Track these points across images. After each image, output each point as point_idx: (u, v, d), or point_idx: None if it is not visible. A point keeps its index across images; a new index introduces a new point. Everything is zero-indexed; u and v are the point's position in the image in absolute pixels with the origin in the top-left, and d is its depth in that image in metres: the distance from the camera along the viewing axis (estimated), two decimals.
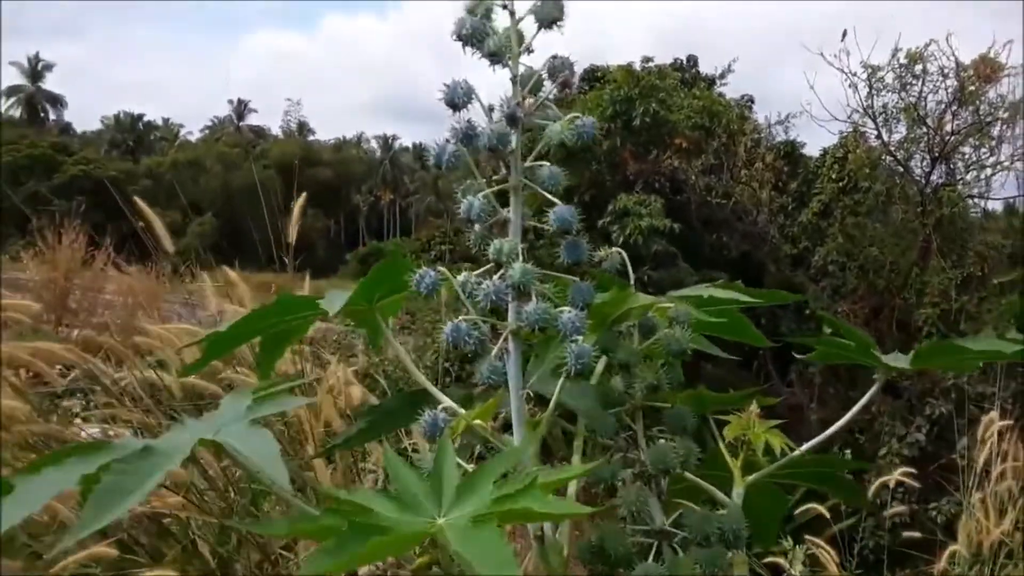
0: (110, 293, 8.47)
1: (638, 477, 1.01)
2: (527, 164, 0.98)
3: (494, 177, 0.98)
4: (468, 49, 0.97)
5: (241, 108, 68.97)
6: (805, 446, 1.39)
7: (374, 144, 66.69)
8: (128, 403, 3.05)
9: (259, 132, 66.28)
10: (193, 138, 64.99)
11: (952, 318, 10.81)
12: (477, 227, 1.00)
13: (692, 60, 14.60)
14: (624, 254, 1.04)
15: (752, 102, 13.96)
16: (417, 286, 0.98)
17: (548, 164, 0.96)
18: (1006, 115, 10.31)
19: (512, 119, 0.94)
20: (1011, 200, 12.90)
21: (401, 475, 0.93)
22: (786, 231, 12.71)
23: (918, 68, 10.78)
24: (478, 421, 1.05)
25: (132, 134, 65.82)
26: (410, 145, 68.85)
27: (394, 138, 67.02)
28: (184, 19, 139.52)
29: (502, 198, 1.02)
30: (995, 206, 12.93)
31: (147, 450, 0.92)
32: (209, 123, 68.79)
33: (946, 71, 10.59)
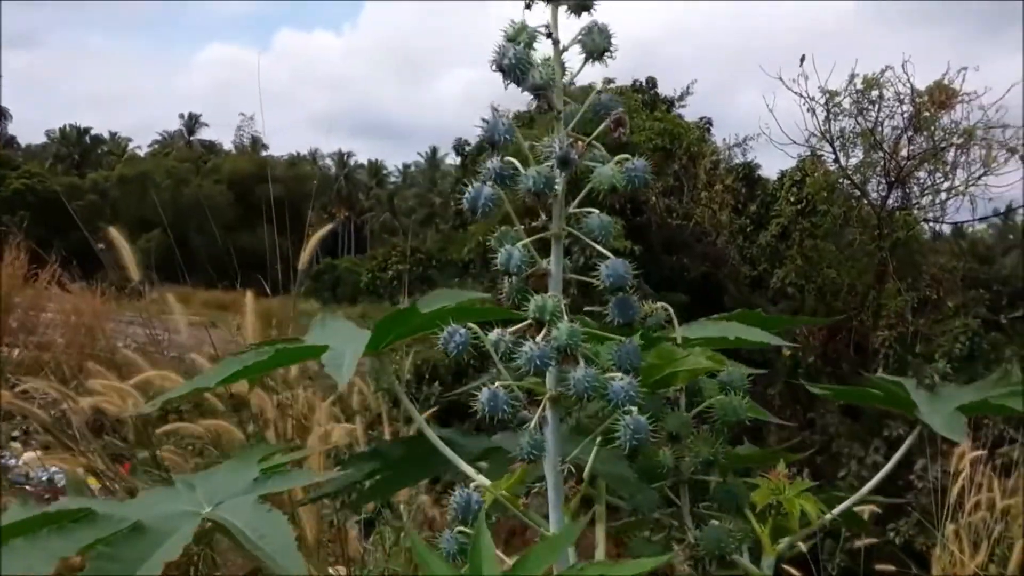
0: (53, 312, 8.16)
1: (688, 562, 0.90)
2: (571, 210, 0.87)
3: (532, 224, 0.86)
4: (508, 80, 0.86)
5: (192, 122, 67.79)
6: (839, 508, 1.30)
7: (329, 161, 66.06)
8: (69, 442, 2.88)
9: (210, 147, 65.15)
10: (142, 152, 63.69)
11: (908, 340, 10.96)
12: (512, 279, 0.89)
13: (652, 82, 14.69)
14: (670, 309, 0.94)
15: (711, 124, 14.09)
16: (445, 346, 0.87)
17: (597, 212, 0.86)
18: (960, 141, 10.51)
19: (565, 161, 0.83)
20: (960, 224, 13.20)
21: (432, 566, 0.81)
22: (745, 253, 12.81)
23: (874, 94, 10.96)
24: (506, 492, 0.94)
25: (78, 148, 64.27)
26: (366, 162, 68.38)
27: (349, 155, 66.47)
28: (135, 32, 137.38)
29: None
30: (945, 228, 13.21)
31: (137, 529, 0.79)
32: (158, 137, 67.52)
33: (902, 97, 10.79)
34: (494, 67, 0.86)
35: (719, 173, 12.75)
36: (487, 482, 0.95)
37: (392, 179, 68.53)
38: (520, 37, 0.87)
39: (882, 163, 11.37)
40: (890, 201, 11.52)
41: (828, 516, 1.25)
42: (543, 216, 0.88)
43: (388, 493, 1.10)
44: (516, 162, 0.88)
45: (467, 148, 13.95)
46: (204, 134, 67.89)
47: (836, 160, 11.62)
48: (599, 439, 0.94)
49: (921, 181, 11.34)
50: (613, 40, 0.88)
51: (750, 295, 12.85)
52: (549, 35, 0.88)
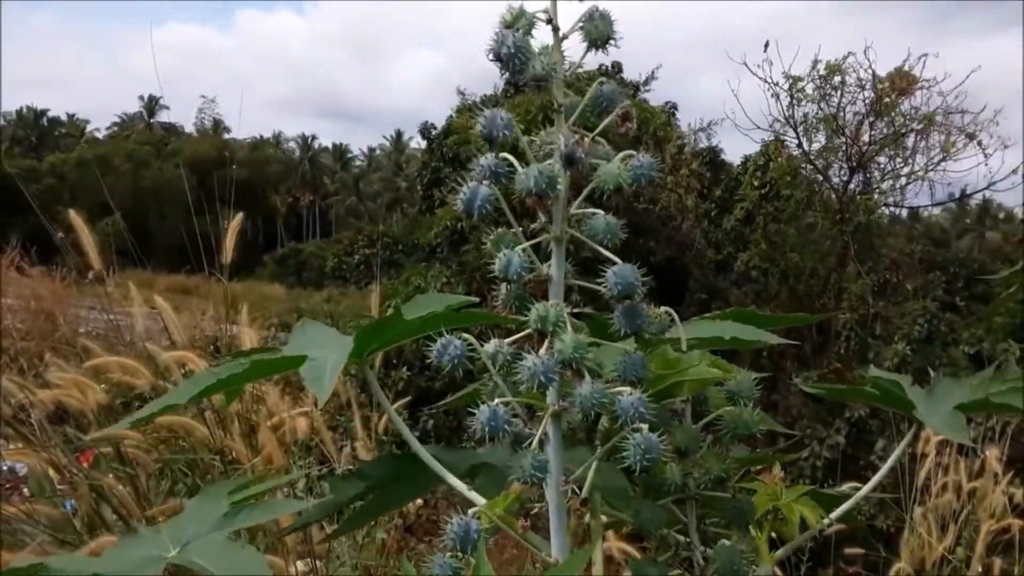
0: (12, 297, 7.95)
1: None
2: (574, 211, 0.81)
3: (532, 226, 0.80)
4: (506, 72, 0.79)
5: (152, 104, 66.32)
6: (835, 513, 1.27)
7: (293, 144, 65.12)
8: (29, 435, 2.81)
9: (171, 129, 63.87)
10: (100, 135, 62.29)
11: (869, 323, 11.10)
12: (507, 286, 0.82)
13: (617, 66, 14.62)
14: (674, 313, 0.88)
15: (676, 109, 14.06)
16: (439, 359, 0.80)
17: (602, 213, 0.80)
18: (919, 127, 10.62)
19: (571, 159, 0.77)
20: (916, 208, 13.38)
21: None
22: (710, 237, 12.85)
23: (837, 80, 11.02)
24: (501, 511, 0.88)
25: (35, 130, 62.62)
26: (330, 145, 67.53)
27: (313, 138, 65.53)
28: (92, 10, 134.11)
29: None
30: (902, 213, 13.38)
31: None
32: (117, 119, 66.03)
33: (863, 83, 10.85)
34: (490, 56, 0.79)
35: (684, 157, 12.75)
36: (482, 500, 0.89)
37: (357, 163, 67.83)
38: (518, 23, 0.80)
39: (844, 148, 11.46)
40: (852, 185, 11.63)
41: (827, 520, 1.21)
42: (541, 217, 0.82)
43: (376, 516, 1.03)
44: (512, 158, 0.81)
45: (433, 132, 13.78)
46: (164, 116, 66.56)
47: (799, 145, 11.70)
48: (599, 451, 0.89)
49: (882, 166, 11.47)
50: (616, 27, 0.82)
51: (714, 279, 12.91)
52: (549, 21, 0.81)
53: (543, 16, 0.81)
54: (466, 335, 0.81)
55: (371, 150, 68.85)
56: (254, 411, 2.89)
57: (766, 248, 11.91)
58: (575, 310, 0.88)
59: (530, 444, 0.80)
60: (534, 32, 0.82)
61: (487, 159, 0.81)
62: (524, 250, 0.80)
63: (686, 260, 12.71)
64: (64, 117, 66.04)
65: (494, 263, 0.82)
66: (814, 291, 11.98)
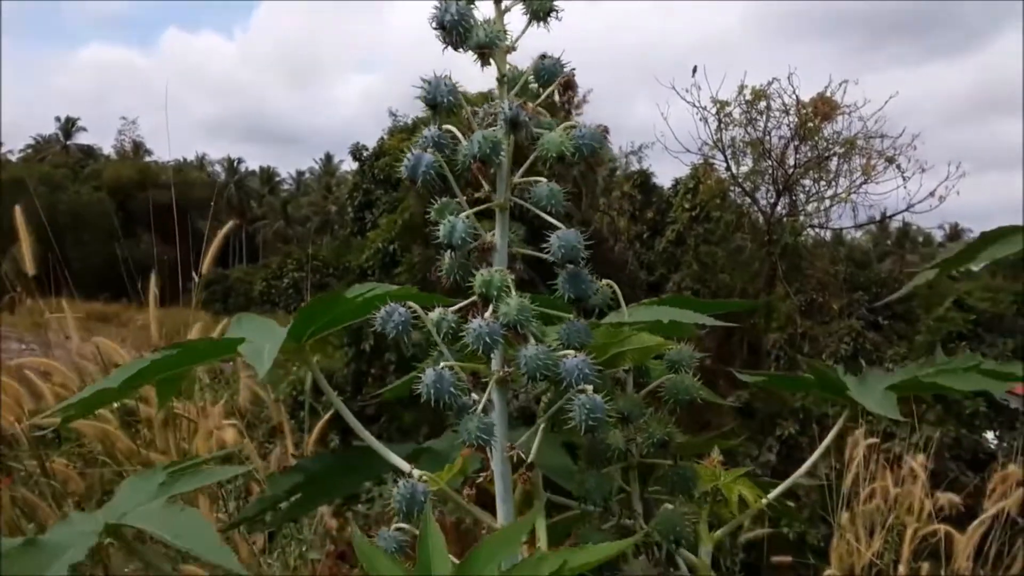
0: None
1: (642, 549, 0.86)
2: (517, 180, 0.82)
3: (476, 194, 0.81)
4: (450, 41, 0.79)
5: (69, 126, 64.42)
6: (772, 494, 1.30)
7: (218, 167, 63.92)
8: None
9: (89, 152, 62.11)
10: (13, 157, 60.16)
11: (797, 342, 11.40)
12: (451, 254, 0.83)
13: None
14: (616, 287, 0.89)
15: (608, 132, 14.27)
16: (383, 327, 0.80)
17: (545, 180, 0.81)
18: (842, 150, 11.00)
19: (515, 124, 0.78)
20: (839, 229, 13.83)
21: (377, 565, 0.74)
22: (642, 258, 13.07)
23: (762, 105, 11.36)
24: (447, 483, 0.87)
25: None
26: (257, 168, 66.54)
27: (239, 161, 64.50)
28: (10, 29, 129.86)
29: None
30: (827, 235, 13.81)
31: (32, 545, 0.70)
32: (32, 141, 63.95)
33: (788, 108, 11.21)
34: (433, 24, 0.80)
35: (616, 180, 12.96)
36: (429, 475, 0.88)
37: (285, 186, 66.95)
38: None
39: (770, 171, 11.81)
40: (778, 208, 11.97)
41: (764, 500, 1.24)
42: (485, 186, 0.82)
43: (311, 508, 1.01)
44: (455, 130, 0.82)
45: (365, 153, 13.71)
46: (82, 138, 64.68)
47: (728, 168, 12.00)
48: (545, 424, 0.89)
49: (807, 188, 11.83)
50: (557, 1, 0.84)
51: (648, 301, 13.10)
52: None
53: None
54: (410, 302, 0.81)
55: (300, 173, 68.13)
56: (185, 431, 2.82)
57: (697, 269, 12.16)
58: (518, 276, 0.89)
59: (475, 411, 0.80)
60: (475, 5, 0.83)
61: (430, 130, 0.82)
62: (468, 217, 0.81)
63: (619, 282, 12.85)
64: None
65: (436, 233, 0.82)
66: (744, 311, 12.27)
